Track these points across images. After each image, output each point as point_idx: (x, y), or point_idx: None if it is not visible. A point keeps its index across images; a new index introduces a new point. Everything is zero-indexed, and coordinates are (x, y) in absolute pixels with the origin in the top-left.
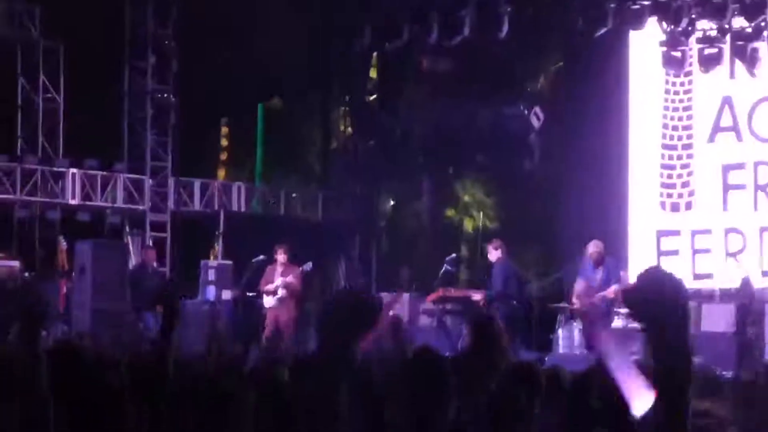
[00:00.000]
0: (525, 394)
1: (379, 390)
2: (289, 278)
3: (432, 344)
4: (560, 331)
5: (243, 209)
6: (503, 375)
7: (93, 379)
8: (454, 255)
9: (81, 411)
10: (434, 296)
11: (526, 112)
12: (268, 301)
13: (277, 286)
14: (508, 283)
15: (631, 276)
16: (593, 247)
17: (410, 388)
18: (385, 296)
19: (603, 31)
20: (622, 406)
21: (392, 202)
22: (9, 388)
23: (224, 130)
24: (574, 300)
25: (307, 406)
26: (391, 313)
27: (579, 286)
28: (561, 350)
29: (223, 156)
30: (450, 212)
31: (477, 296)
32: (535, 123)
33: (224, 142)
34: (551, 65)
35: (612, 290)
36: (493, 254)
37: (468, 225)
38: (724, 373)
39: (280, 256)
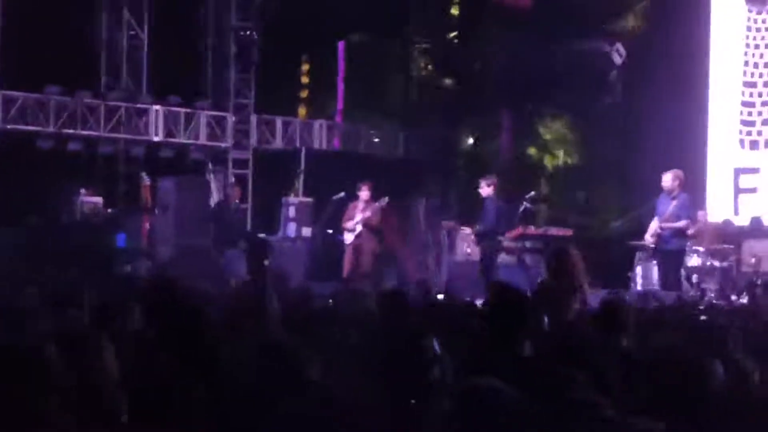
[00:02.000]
0: (607, 328)
1: (462, 324)
2: (367, 213)
3: (512, 281)
4: (638, 269)
5: (324, 146)
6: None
7: (191, 314)
8: (533, 193)
9: (181, 344)
10: (514, 234)
11: (608, 48)
12: (348, 238)
13: (357, 222)
14: (498, 219)
15: (710, 214)
16: (668, 176)
17: (489, 323)
18: (465, 230)
19: None
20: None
21: (471, 140)
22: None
23: (305, 67)
24: (647, 237)
25: (391, 336)
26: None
27: (653, 223)
28: (639, 287)
29: (304, 93)
30: (531, 150)
31: (560, 233)
32: (617, 60)
33: (305, 80)
34: (636, 3)
35: (683, 223)
36: (486, 190)
37: (548, 162)
38: None
39: (364, 193)
